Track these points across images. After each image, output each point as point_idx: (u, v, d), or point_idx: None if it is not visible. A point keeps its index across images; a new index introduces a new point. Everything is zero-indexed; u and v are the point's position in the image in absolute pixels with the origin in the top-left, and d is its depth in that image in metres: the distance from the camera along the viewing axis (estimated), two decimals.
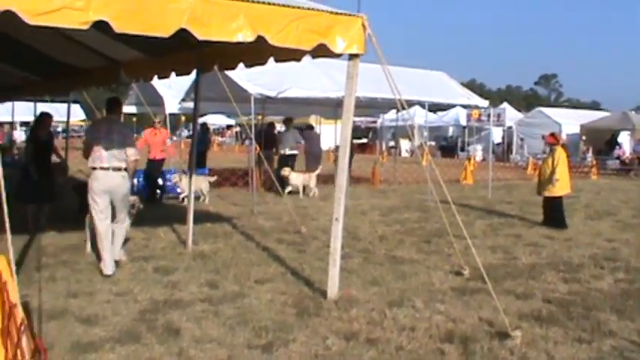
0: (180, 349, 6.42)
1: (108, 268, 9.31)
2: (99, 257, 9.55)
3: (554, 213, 14.88)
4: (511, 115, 38.17)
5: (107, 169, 9.41)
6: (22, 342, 4.96)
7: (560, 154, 14.73)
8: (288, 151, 21.74)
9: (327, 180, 23.59)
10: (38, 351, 4.34)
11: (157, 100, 23.24)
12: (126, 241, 10.51)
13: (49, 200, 13.06)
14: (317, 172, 20.96)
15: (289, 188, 19.68)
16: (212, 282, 9.04)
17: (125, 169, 9.61)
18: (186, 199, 14.00)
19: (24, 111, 30.90)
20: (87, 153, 9.61)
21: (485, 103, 24.56)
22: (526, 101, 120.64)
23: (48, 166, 13.25)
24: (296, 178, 20.34)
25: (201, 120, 24.06)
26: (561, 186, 14.70)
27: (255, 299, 8.24)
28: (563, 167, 14.76)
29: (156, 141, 18.26)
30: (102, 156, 9.40)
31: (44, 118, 13.41)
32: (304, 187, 20.48)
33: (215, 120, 50.83)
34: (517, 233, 13.73)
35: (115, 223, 9.76)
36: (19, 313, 5.17)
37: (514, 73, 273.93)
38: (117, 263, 9.66)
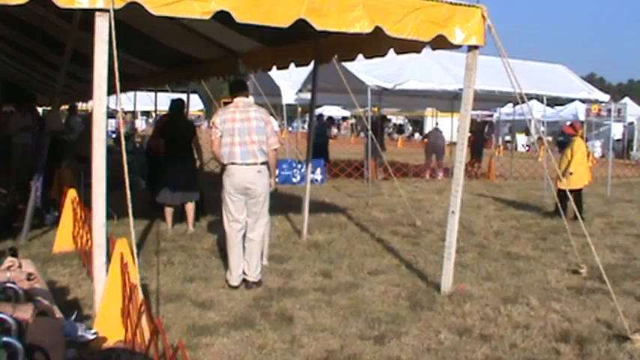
0: (292, 337, 6.47)
1: (234, 279, 8.26)
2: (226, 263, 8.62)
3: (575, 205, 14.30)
4: (632, 110, 36.84)
5: (241, 164, 8.11)
6: (141, 322, 5.12)
7: (578, 145, 14.22)
8: None
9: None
10: (157, 332, 4.46)
11: (274, 91, 23.47)
12: None
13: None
14: None
15: None
16: (326, 272, 9.09)
17: (263, 163, 8.23)
18: None
19: (145, 101, 31.75)
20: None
21: (606, 97, 23.92)
22: None
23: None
24: None
25: (317, 111, 24.18)
26: (577, 179, 14.01)
27: (369, 290, 8.23)
28: (581, 159, 14.18)
29: None
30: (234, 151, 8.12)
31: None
32: None
33: (331, 111, 51.01)
34: (637, 233, 13.18)
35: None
36: (139, 295, 5.34)
37: (636, 66, 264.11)
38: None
